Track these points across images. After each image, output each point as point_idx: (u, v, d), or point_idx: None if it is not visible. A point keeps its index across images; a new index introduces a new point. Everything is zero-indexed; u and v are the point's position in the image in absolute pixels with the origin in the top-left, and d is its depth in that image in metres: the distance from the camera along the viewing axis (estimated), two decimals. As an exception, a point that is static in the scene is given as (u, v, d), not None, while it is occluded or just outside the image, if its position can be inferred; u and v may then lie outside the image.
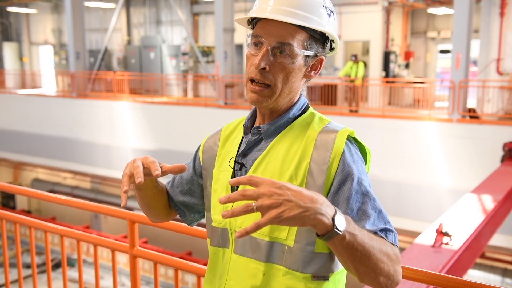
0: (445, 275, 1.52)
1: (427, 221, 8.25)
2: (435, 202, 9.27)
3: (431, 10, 15.36)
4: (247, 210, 0.98)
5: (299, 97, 1.31)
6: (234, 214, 0.99)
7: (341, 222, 1.02)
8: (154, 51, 16.49)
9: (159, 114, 12.82)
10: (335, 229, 1.01)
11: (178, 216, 1.54)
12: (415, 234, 8.45)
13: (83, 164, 13.95)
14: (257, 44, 1.23)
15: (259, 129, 1.28)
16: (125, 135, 13.15)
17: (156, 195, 1.42)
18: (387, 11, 14.59)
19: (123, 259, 11.19)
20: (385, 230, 1.14)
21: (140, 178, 1.18)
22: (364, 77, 12.85)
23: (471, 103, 11.46)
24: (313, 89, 13.93)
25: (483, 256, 9.48)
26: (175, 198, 1.46)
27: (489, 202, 5.66)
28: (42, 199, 2.52)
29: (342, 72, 12.36)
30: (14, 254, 11.75)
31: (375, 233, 1.13)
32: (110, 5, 18.17)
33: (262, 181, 1.00)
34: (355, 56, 12.15)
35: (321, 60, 1.28)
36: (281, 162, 1.22)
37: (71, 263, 11.86)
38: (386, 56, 14.56)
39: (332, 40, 1.27)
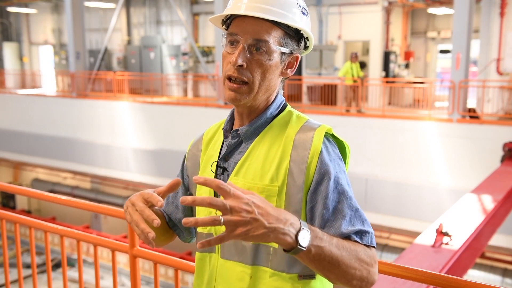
0: (445, 275, 1.51)
1: (427, 221, 8.26)
2: (435, 202, 9.27)
3: (431, 10, 15.35)
4: (214, 224, 0.98)
5: (276, 96, 1.31)
6: (198, 224, 0.98)
7: (305, 238, 1.04)
8: (154, 51, 16.48)
9: (159, 114, 12.81)
10: (298, 246, 1.03)
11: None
12: (415, 234, 8.45)
13: (83, 164, 13.94)
14: (232, 42, 1.24)
15: (238, 132, 1.28)
16: (125, 135, 13.15)
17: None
18: (387, 11, 14.59)
19: (123, 259, 11.19)
20: (361, 232, 1.15)
21: (156, 220, 1.09)
22: (363, 77, 12.83)
23: (471, 103, 11.45)
24: (313, 89, 13.93)
25: (483, 256, 9.48)
26: (173, 216, 1.42)
27: (489, 202, 5.66)
28: (42, 199, 2.51)
29: (342, 72, 12.30)
30: (14, 254, 11.75)
31: (348, 236, 1.14)
32: (110, 5, 18.16)
33: (233, 193, 1.00)
34: (356, 54, 12.10)
35: (297, 58, 1.29)
36: (262, 164, 1.22)
37: (71, 263, 11.86)
38: (386, 56, 14.55)
39: (307, 38, 1.29)
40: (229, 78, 1.23)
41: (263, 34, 1.21)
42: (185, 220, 0.98)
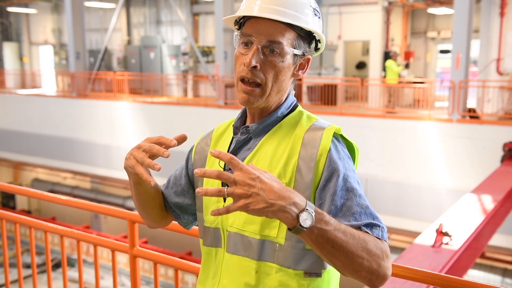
0: (445, 275, 1.51)
1: (427, 221, 8.26)
2: (435, 202, 9.27)
3: (431, 10, 15.35)
4: (219, 194, 1.04)
5: (287, 96, 1.32)
6: (207, 194, 1.05)
7: (307, 219, 1.05)
8: (154, 51, 16.48)
9: (159, 114, 12.82)
10: (299, 226, 1.05)
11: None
12: (415, 234, 8.45)
13: (83, 164, 13.94)
14: (246, 43, 1.24)
15: (248, 129, 1.30)
16: (125, 135, 13.15)
17: (152, 192, 1.41)
18: (387, 11, 14.59)
19: (123, 259, 11.20)
20: (371, 225, 1.15)
21: (166, 151, 1.19)
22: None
23: (471, 103, 11.45)
24: (313, 89, 13.93)
25: (483, 256, 9.47)
26: (170, 199, 1.46)
27: (489, 202, 5.66)
28: (42, 199, 2.52)
29: (394, 72, 12.10)
30: (14, 254, 11.75)
31: (359, 228, 1.13)
32: (110, 5, 18.16)
33: (241, 167, 1.05)
34: (395, 52, 12.13)
35: (308, 60, 1.30)
36: (270, 161, 1.24)
37: (71, 263, 11.86)
38: (386, 56, 14.55)
39: (319, 40, 1.30)
40: (242, 80, 1.24)
41: (277, 35, 1.22)
42: (198, 190, 1.04)
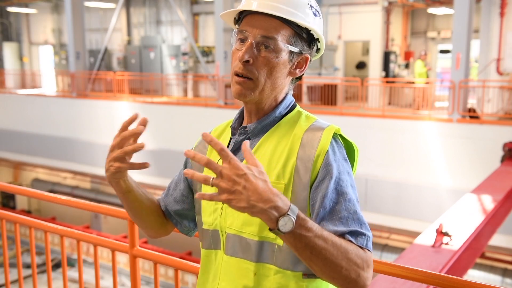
0: (445, 275, 1.51)
1: (427, 221, 8.25)
2: (435, 202, 9.27)
3: (431, 10, 15.36)
4: (205, 182, 1.03)
5: (285, 96, 1.31)
6: (194, 177, 1.04)
7: (286, 225, 1.03)
8: (154, 51, 16.47)
9: (159, 114, 12.81)
10: (277, 230, 1.04)
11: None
12: (415, 234, 8.45)
13: (83, 164, 13.94)
14: (242, 39, 1.24)
15: (246, 129, 1.29)
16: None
17: (143, 198, 1.38)
18: (387, 11, 14.59)
19: (123, 259, 11.19)
20: (356, 233, 1.13)
21: (140, 129, 1.25)
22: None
23: (471, 103, 11.45)
24: (313, 89, 13.93)
25: (483, 256, 9.47)
26: (170, 207, 1.45)
27: (489, 202, 5.66)
28: (42, 199, 2.52)
29: (420, 73, 12.10)
30: (14, 254, 11.75)
31: (343, 235, 1.12)
32: (110, 5, 18.16)
33: (229, 160, 1.02)
34: (425, 52, 12.19)
35: (307, 59, 1.29)
36: (268, 161, 1.22)
37: (71, 263, 11.86)
38: (386, 56, 14.55)
39: (318, 40, 1.28)
40: (236, 75, 1.24)
41: (272, 31, 1.21)
42: (185, 171, 1.04)
